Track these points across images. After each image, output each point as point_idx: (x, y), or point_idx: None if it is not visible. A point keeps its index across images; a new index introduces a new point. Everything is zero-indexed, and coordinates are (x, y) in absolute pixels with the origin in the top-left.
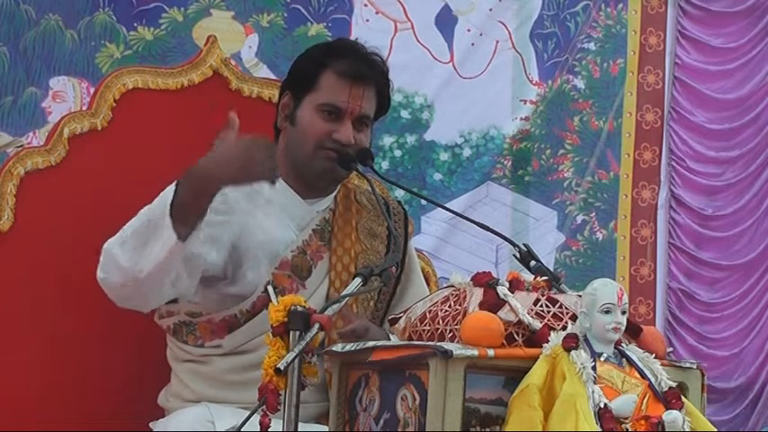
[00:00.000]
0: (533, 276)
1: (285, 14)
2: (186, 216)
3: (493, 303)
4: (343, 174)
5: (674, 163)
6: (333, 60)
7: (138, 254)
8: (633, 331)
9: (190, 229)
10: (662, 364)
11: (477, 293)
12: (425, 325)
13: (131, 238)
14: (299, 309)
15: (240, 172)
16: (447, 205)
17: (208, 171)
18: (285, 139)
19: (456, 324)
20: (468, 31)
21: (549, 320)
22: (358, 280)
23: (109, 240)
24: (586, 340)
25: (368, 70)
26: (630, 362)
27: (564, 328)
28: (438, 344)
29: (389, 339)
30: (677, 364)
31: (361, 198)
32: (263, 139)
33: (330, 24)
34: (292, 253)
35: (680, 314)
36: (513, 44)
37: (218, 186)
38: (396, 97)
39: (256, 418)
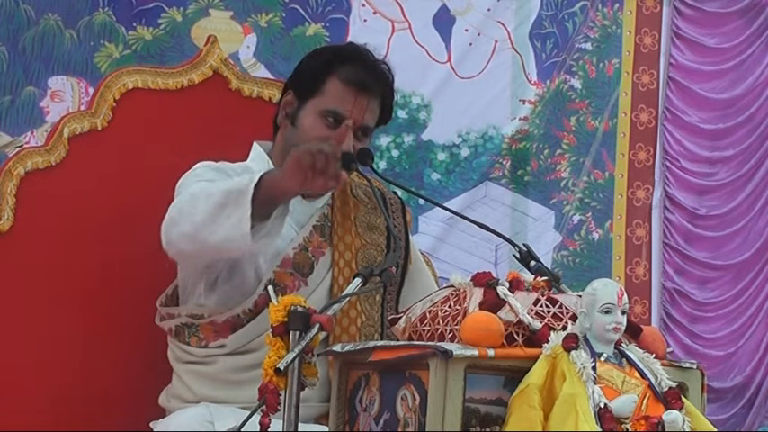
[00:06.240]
0: (533, 276)
1: (283, 14)
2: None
3: (493, 303)
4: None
5: (668, 163)
6: (340, 66)
7: (215, 215)
8: (633, 331)
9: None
10: (662, 364)
11: (478, 293)
12: (425, 325)
13: (218, 195)
14: (299, 309)
15: (302, 184)
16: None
17: (274, 182)
18: (284, 137)
19: (456, 324)
20: (466, 31)
21: (549, 320)
22: (358, 280)
23: (188, 182)
24: (586, 340)
25: (374, 80)
26: (630, 362)
27: (564, 328)
28: (438, 344)
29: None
30: (677, 364)
31: (358, 192)
32: (328, 147)
33: (328, 24)
34: (294, 250)
35: (674, 313)
36: (512, 44)
37: (283, 197)
38: None
39: (256, 418)
